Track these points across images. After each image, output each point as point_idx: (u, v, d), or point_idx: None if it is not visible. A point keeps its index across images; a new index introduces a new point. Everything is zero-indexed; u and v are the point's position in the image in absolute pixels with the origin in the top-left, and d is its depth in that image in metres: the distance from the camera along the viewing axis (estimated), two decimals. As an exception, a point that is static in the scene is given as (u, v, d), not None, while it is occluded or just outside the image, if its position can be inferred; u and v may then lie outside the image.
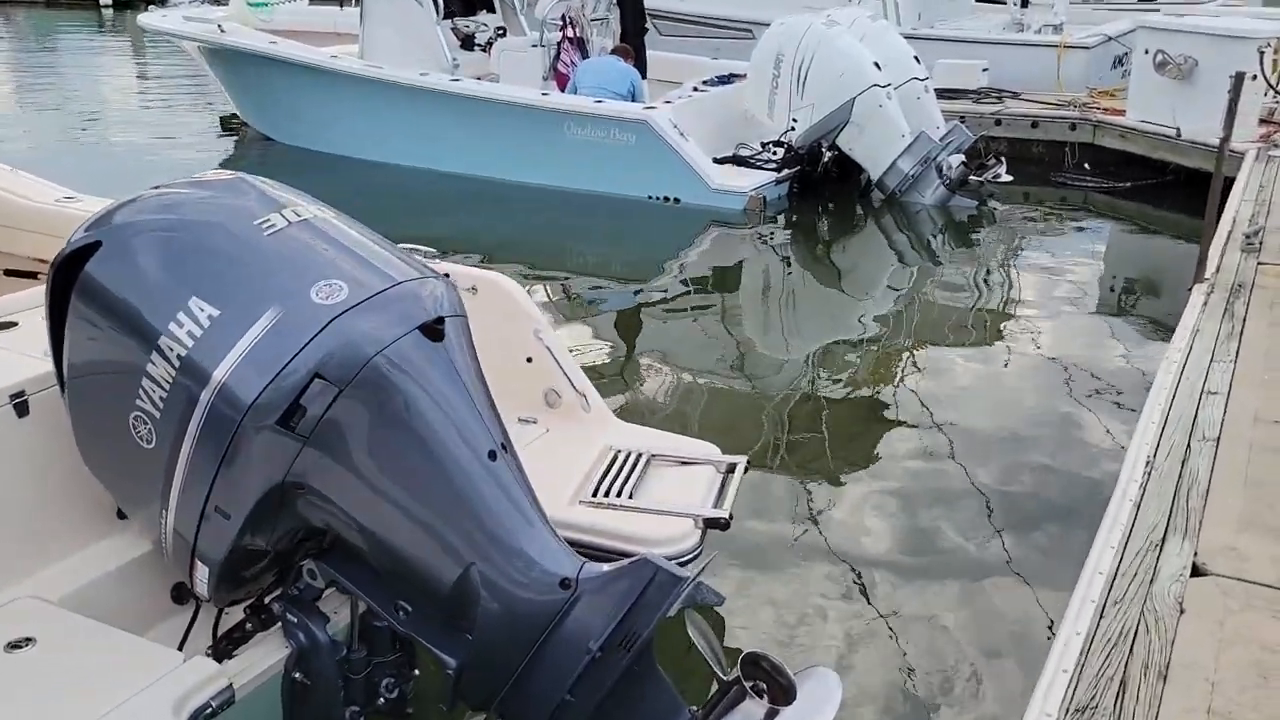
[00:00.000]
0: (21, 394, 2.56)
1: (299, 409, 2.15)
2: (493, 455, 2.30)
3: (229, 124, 12.75)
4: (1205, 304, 4.69)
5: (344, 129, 10.30)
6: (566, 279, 7.85)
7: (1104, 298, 7.52)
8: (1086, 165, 10.50)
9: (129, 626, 2.54)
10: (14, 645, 2.36)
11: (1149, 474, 3.12)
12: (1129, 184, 9.94)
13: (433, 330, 2.29)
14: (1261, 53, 8.66)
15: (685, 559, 2.93)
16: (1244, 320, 4.45)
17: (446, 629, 2.34)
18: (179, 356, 2.18)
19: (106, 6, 32.91)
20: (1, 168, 4.30)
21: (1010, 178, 9.40)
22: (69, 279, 2.29)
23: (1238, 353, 4.11)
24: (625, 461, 3.31)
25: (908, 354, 6.37)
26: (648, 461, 3.33)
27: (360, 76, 9.93)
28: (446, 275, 2.51)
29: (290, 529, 2.32)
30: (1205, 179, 8.39)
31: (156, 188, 2.47)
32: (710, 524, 3.04)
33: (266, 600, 2.53)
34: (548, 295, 7.44)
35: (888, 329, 6.83)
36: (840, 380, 5.98)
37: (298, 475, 2.21)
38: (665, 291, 7.63)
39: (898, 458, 4.92)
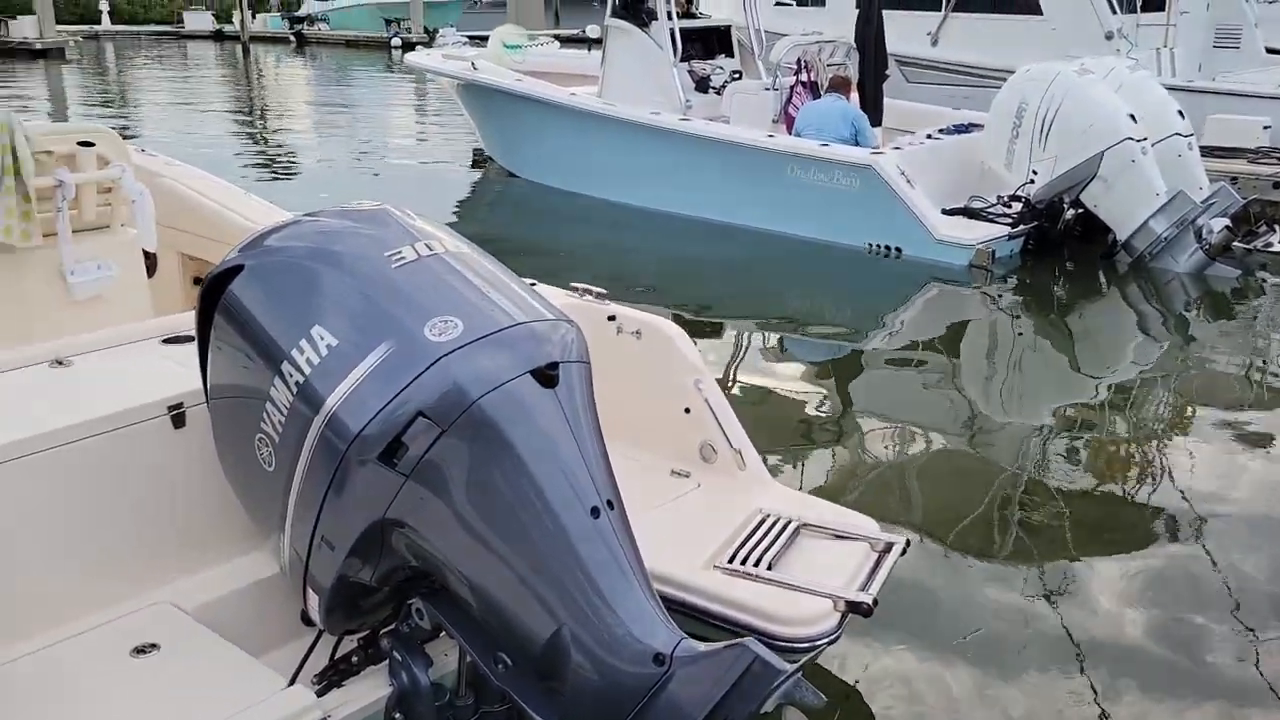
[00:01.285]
0: (180, 406, 2.68)
1: (401, 445, 2.11)
2: (596, 511, 2.19)
3: (478, 158, 13.42)
4: None
5: (576, 165, 10.60)
6: (767, 325, 7.66)
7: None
8: (1384, 237, 9.28)
9: (257, 644, 2.59)
10: (139, 650, 2.45)
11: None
12: None
13: (545, 376, 2.20)
14: None
15: (816, 643, 2.70)
16: None
17: (543, 688, 2.23)
18: (297, 383, 2.19)
19: (396, 47, 35.72)
20: (233, 190, 4.63)
21: (1285, 248, 8.46)
22: (215, 298, 2.37)
23: None
24: (772, 527, 3.11)
25: (1145, 440, 5.74)
26: (797, 530, 3.11)
27: (592, 113, 10.19)
28: (573, 321, 2.41)
29: (394, 565, 2.29)
30: None
31: (308, 214, 2.53)
32: (852, 607, 2.79)
33: (380, 634, 2.52)
34: (741, 341, 7.29)
35: (1123, 410, 6.18)
36: (1057, 463, 5.45)
37: (398, 512, 2.17)
38: (870, 347, 7.30)
39: (1117, 556, 4.41)
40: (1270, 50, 12.80)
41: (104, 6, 44.86)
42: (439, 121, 18.72)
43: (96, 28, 42.56)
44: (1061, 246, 8.86)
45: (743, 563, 2.93)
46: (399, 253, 2.30)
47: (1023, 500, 4.94)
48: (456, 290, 2.27)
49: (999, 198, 8.96)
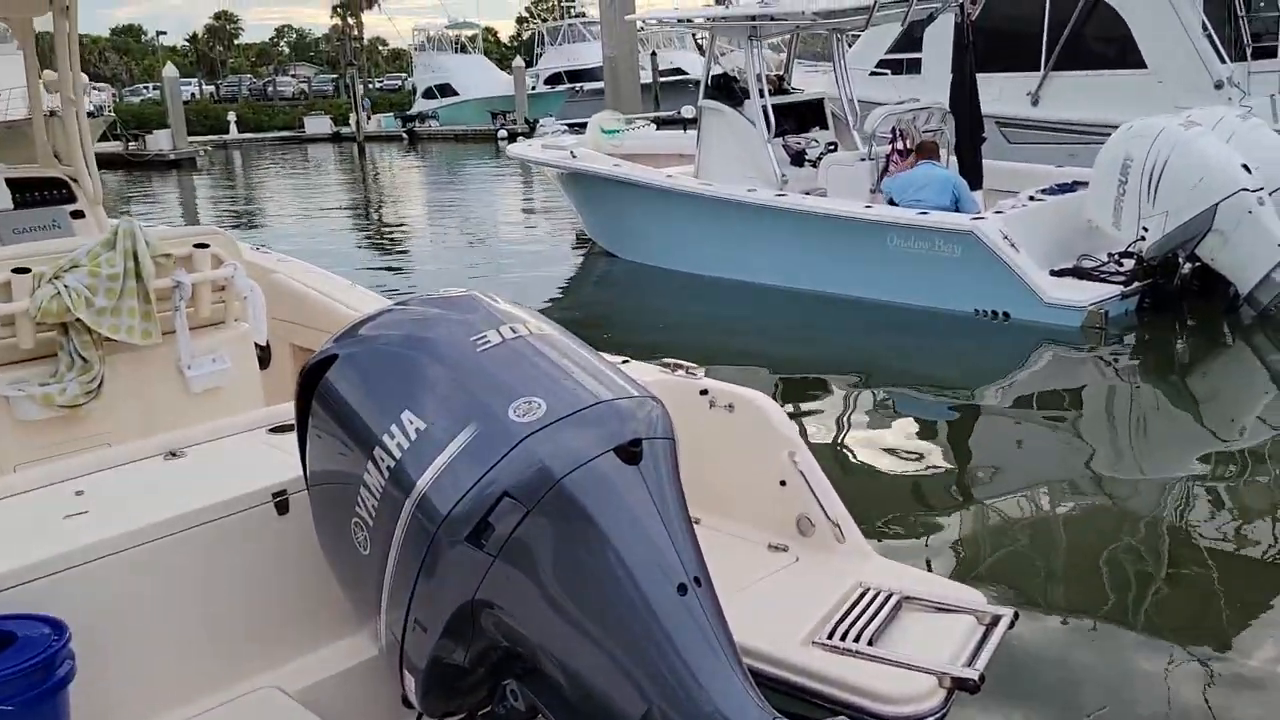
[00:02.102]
0: (283, 493, 2.77)
1: (488, 526, 2.14)
2: (683, 588, 2.17)
3: (581, 240, 13.71)
4: None
5: (676, 245, 10.73)
6: (873, 393, 7.57)
7: None
8: None
9: (356, 726, 2.63)
10: (244, 735, 2.51)
11: None
12: None
13: (628, 452, 2.21)
14: None
15: (922, 722, 2.60)
16: None
17: (637, 770, 2.20)
18: (389, 467, 2.25)
19: (502, 139, 37.00)
20: (340, 282, 4.82)
21: None
22: (312, 387, 2.47)
23: None
24: (873, 601, 3.02)
25: (1272, 508, 5.43)
26: (899, 603, 3.02)
27: (689, 194, 10.33)
28: (655, 398, 2.42)
29: (486, 646, 2.31)
30: None
31: (399, 303, 2.62)
32: (958, 684, 2.68)
33: (477, 715, 2.53)
34: (848, 409, 7.19)
35: (1254, 472, 5.87)
36: (1182, 529, 5.19)
37: (488, 593, 2.19)
38: (979, 412, 7.13)
39: (1251, 626, 4.16)
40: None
41: (231, 117, 47.69)
42: (544, 207, 19.23)
43: (225, 137, 45.23)
44: (1180, 303, 8.53)
45: (842, 638, 2.85)
46: (484, 336, 2.36)
47: (1143, 571, 4.71)
48: (540, 371, 2.32)
49: (1110, 256, 8.72)
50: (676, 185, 10.52)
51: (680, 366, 3.70)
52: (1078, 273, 8.69)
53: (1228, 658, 3.90)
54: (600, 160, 11.42)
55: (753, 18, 10.45)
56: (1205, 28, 11.32)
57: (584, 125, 13.27)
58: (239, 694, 2.65)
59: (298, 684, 2.70)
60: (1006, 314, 8.52)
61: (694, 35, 28.21)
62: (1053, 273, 8.64)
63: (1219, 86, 11.06)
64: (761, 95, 10.43)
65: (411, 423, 2.25)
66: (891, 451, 6.48)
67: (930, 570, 4.22)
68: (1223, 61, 11.25)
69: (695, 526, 3.66)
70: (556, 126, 15.38)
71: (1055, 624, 4.17)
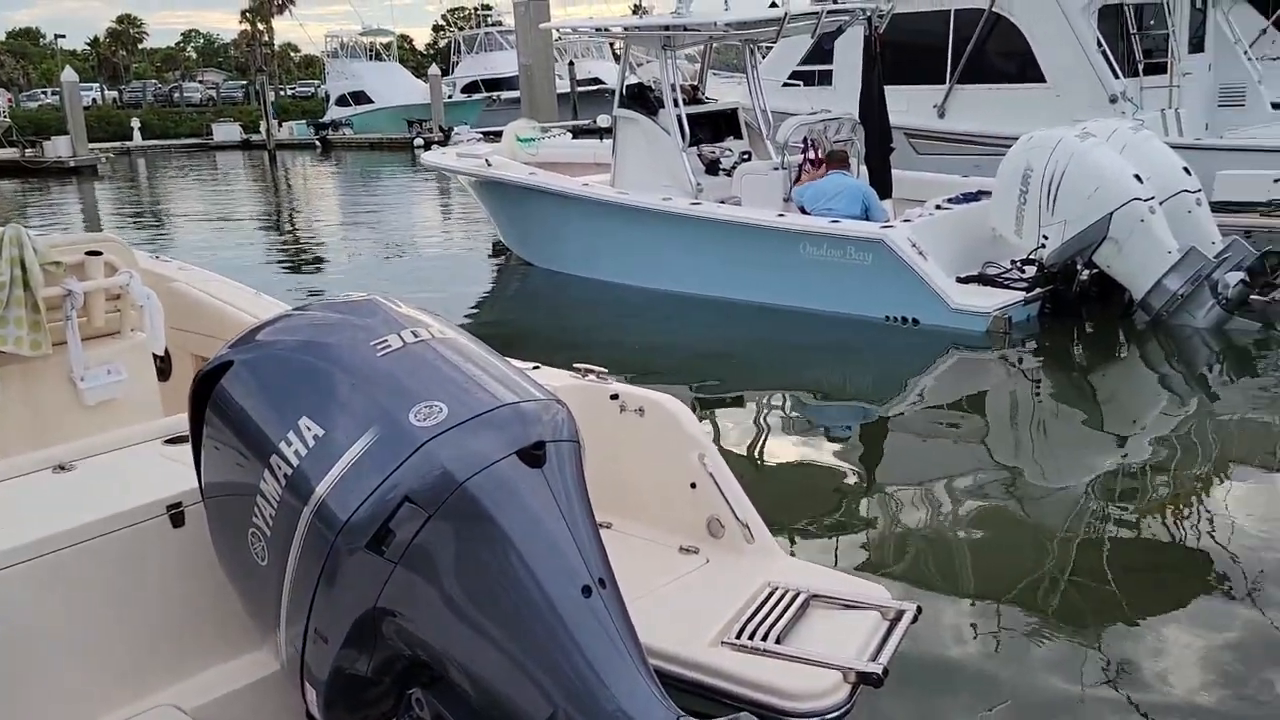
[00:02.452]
0: (179, 505, 2.70)
1: (389, 532, 2.12)
2: (588, 590, 2.17)
3: (499, 250, 13.63)
4: None
5: (592, 253, 10.74)
6: (786, 398, 7.66)
7: None
8: None
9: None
10: (137, 755, 2.43)
11: None
12: None
13: (531, 455, 2.21)
14: None
15: (826, 717, 2.64)
16: None
17: (544, 777, 2.19)
18: (285, 475, 2.21)
19: (418, 147, 36.56)
20: (244, 290, 4.72)
21: (1303, 298, 8.37)
22: (205, 396, 2.41)
23: None
24: (781, 600, 3.06)
25: (1171, 500, 5.63)
26: (806, 601, 3.06)
27: (605, 202, 10.36)
28: (559, 401, 2.42)
29: (390, 656, 2.27)
30: None
31: (298, 308, 2.58)
32: (862, 678, 2.73)
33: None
34: (761, 414, 7.28)
35: (1148, 470, 6.07)
36: (1079, 526, 5.35)
37: (389, 600, 2.16)
38: (889, 415, 7.26)
39: (1143, 620, 4.30)
40: (1276, 105, 12.84)
41: (135, 123, 46.37)
42: (461, 216, 19.08)
43: (129, 144, 43.92)
44: (1079, 308, 8.81)
45: (750, 637, 2.89)
46: (385, 341, 2.33)
47: (1044, 566, 4.84)
48: (442, 375, 2.30)
49: (1013, 263, 8.97)
50: (592, 194, 10.54)
51: (591, 371, 3.71)
52: (983, 279, 8.91)
53: (1126, 648, 4.03)
54: (516, 168, 11.39)
55: (666, 28, 10.54)
56: (1100, 44, 11.74)
57: (500, 134, 13.21)
58: (136, 713, 2.58)
59: (197, 701, 2.64)
60: (915, 320, 8.71)
61: (611, 45, 28.31)
62: (959, 279, 8.85)
63: (1114, 100, 11.49)
64: (676, 105, 10.50)
65: (309, 429, 2.21)
66: (803, 453, 6.57)
67: (838, 568, 4.28)
68: (1117, 77, 11.68)
69: (608, 531, 3.69)
70: (471, 135, 15.28)
71: (960, 618, 4.27)
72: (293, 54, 77.66)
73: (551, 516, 2.20)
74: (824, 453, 6.59)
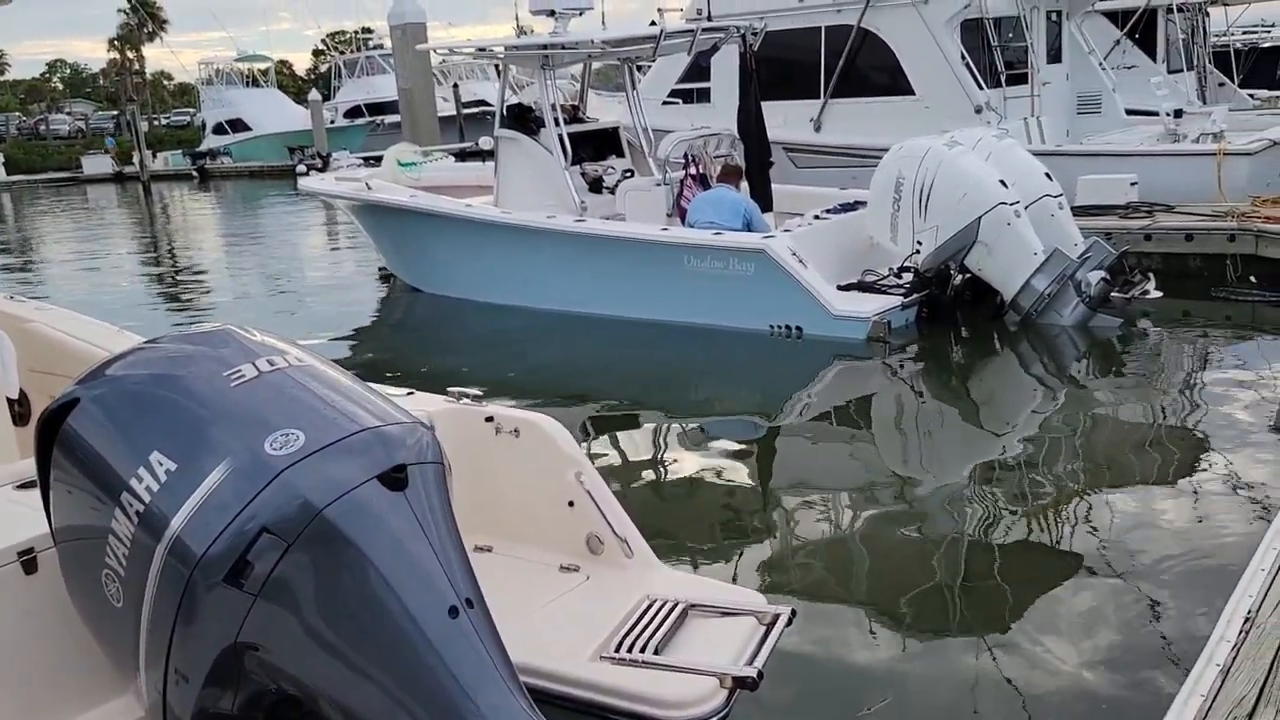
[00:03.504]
0: (30, 551, 2.60)
1: (247, 565, 2.08)
2: (454, 611, 2.17)
3: (385, 276, 13.44)
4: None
5: (478, 275, 10.68)
6: (673, 412, 7.72)
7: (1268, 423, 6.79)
8: (1253, 278, 9.73)
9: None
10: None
11: (1246, 631, 2.66)
12: (1303, 296, 9.14)
13: (392, 479, 2.20)
14: None
15: (706, 723, 2.67)
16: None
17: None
18: (137, 512, 2.16)
19: (301, 174, 35.69)
20: (106, 329, 4.56)
21: (1160, 294, 8.81)
22: (52, 435, 2.33)
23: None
24: (659, 612, 3.09)
25: (1042, 495, 5.83)
26: (684, 612, 3.10)
27: (489, 223, 10.32)
28: (427, 423, 2.41)
29: (255, 692, 2.23)
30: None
31: (150, 341, 2.52)
32: (739, 683, 2.77)
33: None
34: (648, 428, 7.32)
35: (1021, 465, 6.31)
36: (959, 525, 5.51)
37: (251, 635, 2.12)
38: (774, 425, 7.38)
39: (1016, 616, 4.45)
40: (1130, 111, 13.51)
41: (-2, 159, 44.40)
42: (347, 243, 18.74)
43: (-9, 180, 42.01)
44: (955, 311, 9.11)
45: (629, 650, 2.91)
46: (239, 371, 2.29)
47: (924, 564, 4.98)
48: (299, 402, 2.27)
49: (890, 269, 9.24)
50: (476, 215, 10.49)
51: (465, 395, 3.70)
52: (862, 286, 9.15)
53: (1004, 646, 4.15)
54: (397, 191, 11.27)
55: (544, 47, 10.58)
56: (964, 57, 12.20)
57: (381, 159, 13.05)
58: (-12, 770, 2.47)
59: (58, 751, 2.54)
60: (799, 329, 8.88)
61: (496, 66, 28.21)
62: (840, 287, 9.06)
63: (979, 111, 11.94)
64: (557, 124, 10.54)
65: (161, 464, 2.16)
66: (689, 466, 6.64)
67: (719, 577, 4.34)
68: (981, 88, 12.14)
69: (489, 554, 3.67)
70: (351, 160, 15.04)
71: (843, 618, 4.36)
72: (166, 82, 75.32)
73: (415, 539, 2.19)
74: (710, 464, 6.66)
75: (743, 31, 10.61)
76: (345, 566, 2.12)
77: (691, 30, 10.73)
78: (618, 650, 2.91)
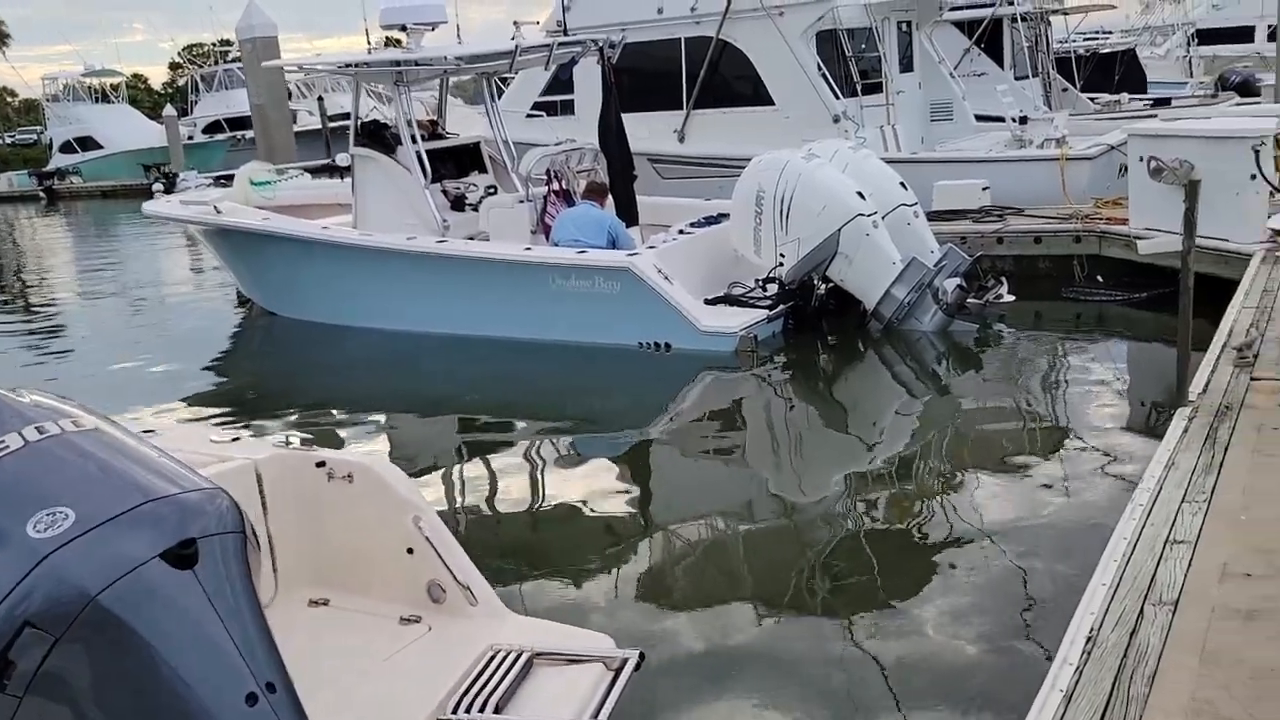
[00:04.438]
0: None
1: (8, 664, 1.86)
2: (253, 699, 1.98)
3: (244, 300, 12.90)
4: (1186, 430, 4.24)
5: (337, 299, 10.33)
6: (540, 439, 7.55)
7: (1123, 416, 7.03)
8: (1099, 278, 10.11)
9: None
10: None
11: (1089, 651, 2.67)
12: (1145, 294, 9.51)
13: (179, 556, 2.00)
14: (1257, 151, 8.33)
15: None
16: (1226, 449, 3.99)
17: None
18: (-119, 611, 1.91)
19: (159, 192, 34.30)
20: None
21: (1013, 297, 9.04)
22: None
23: (1214, 489, 3.64)
24: (502, 664, 2.95)
25: (909, 497, 5.92)
26: (529, 663, 2.96)
27: (346, 245, 9.99)
28: (222, 490, 2.21)
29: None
30: (1221, 285, 8.02)
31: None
32: (583, 739, 2.65)
33: None
34: (511, 459, 7.13)
35: (887, 472, 6.38)
36: (831, 536, 5.53)
37: (18, 739, 1.90)
38: (642, 448, 7.29)
39: (880, 632, 4.45)
40: (981, 117, 13.94)
41: None
42: (206, 265, 17.96)
43: None
44: (820, 321, 9.19)
45: (469, 709, 2.76)
46: (2, 442, 2.06)
47: (795, 575, 4.96)
48: (72, 474, 2.06)
49: (756, 282, 9.26)
50: (332, 237, 10.14)
51: (295, 439, 3.50)
52: (729, 300, 9.15)
53: (881, 650, 4.14)
54: (248, 214, 10.81)
55: (397, 63, 10.30)
56: (820, 68, 12.39)
57: (232, 178, 12.53)
58: None
59: None
60: (668, 345, 8.83)
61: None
62: (707, 301, 9.05)
63: (837, 120, 12.14)
64: (414, 141, 10.27)
65: (-96, 556, 1.92)
66: (552, 490, 6.51)
67: (576, 613, 4.22)
68: (838, 97, 12.35)
69: (326, 608, 3.46)
70: (200, 180, 14.43)
71: (694, 653, 4.22)
72: (10, 98, 71.48)
73: (207, 621, 2.00)
74: (575, 488, 6.53)
75: (600, 44, 10.53)
76: (127, 656, 1.91)
77: (548, 45, 10.61)
78: (456, 710, 2.76)
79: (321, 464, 3.41)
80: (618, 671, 2.92)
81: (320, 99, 32.86)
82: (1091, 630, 2.76)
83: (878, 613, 4.44)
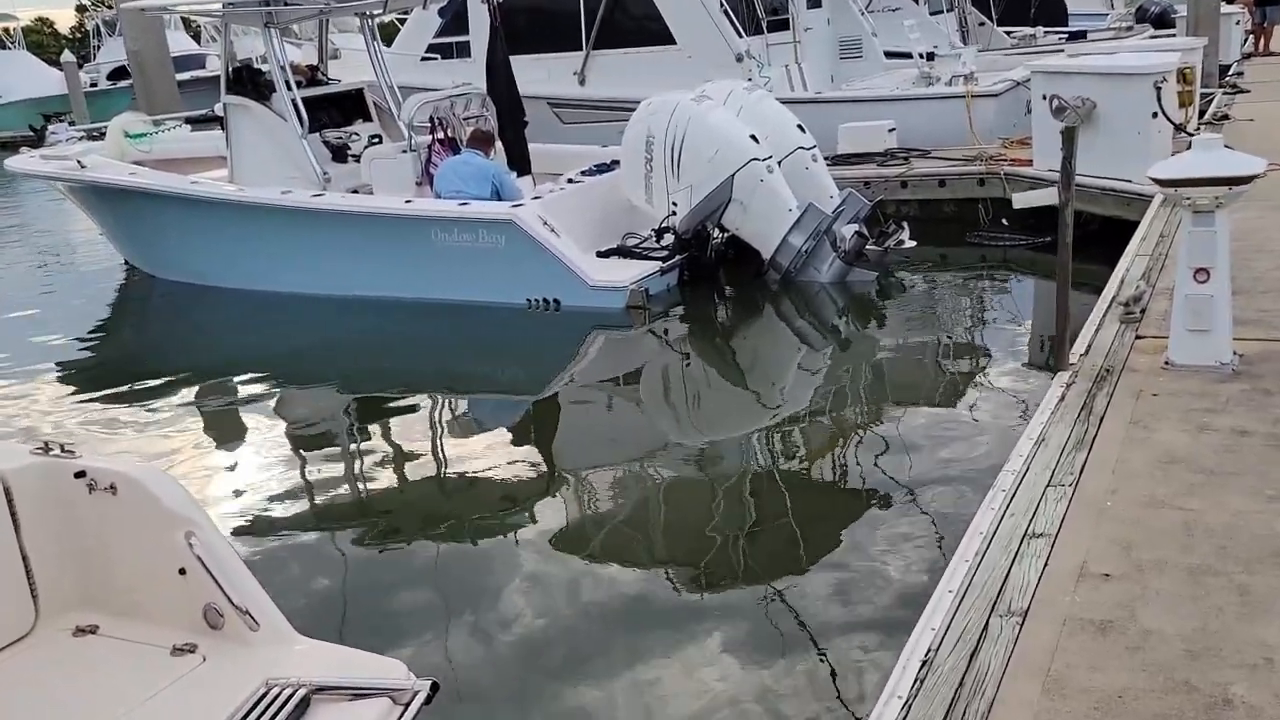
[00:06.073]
0: None
1: None
2: None
3: (128, 262, 12.18)
4: (1062, 399, 3.98)
5: (213, 259, 9.73)
6: (416, 401, 7.16)
7: (1021, 373, 6.81)
8: (1004, 221, 9.86)
9: None
10: None
11: (922, 679, 2.38)
12: (1049, 238, 9.26)
13: None
14: (1159, 88, 8.10)
15: None
16: (1101, 420, 3.73)
17: None
18: None
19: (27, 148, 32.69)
20: None
21: (914, 243, 8.78)
22: None
23: (1083, 468, 3.38)
24: (275, 701, 2.59)
25: (814, 451, 5.75)
26: (306, 700, 2.60)
27: (217, 200, 9.39)
28: None
29: None
30: (1125, 227, 7.82)
31: None
32: (351, 796, 2.31)
33: None
34: (393, 427, 6.73)
35: (790, 423, 6.18)
36: (730, 498, 5.25)
37: None
38: (529, 408, 6.97)
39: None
40: (891, 54, 13.59)
41: None
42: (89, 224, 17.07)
43: None
44: (717, 272, 8.85)
45: (225, 764, 2.40)
46: None
47: (691, 540, 4.68)
48: None
49: (651, 232, 8.87)
50: (201, 192, 9.52)
51: (53, 447, 3.07)
52: (622, 252, 8.75)
53: (751, 639, 3.88)
54: (114, 169, 10.11)
55: (267, 3, 9.60)
56: (723, 5, 11.90)
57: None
58: None
59: None
60: (557, 301, 8.42)
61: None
62: (600, 254, 8.64)
63: (740, 59, 11.68)
64: (289, 87, 9.63)
65: None
66: (425, 463, 6.13)
67: (380, 629, 3.88)
68: (741, 36, 11.88)
69: (93, 636, 3.05)
70: (70, 134, 13.57)
71: (489, 682, 3.89)
72: (-102, 45, 67.68)
73: None
74: (454, 458, 6.16)
75: (485, -18, 9.94)
76: None
77: (426, -18, 10.00)
78: (211, 764, 2.39)
79: (81, 474, 3.00)
80: (406, 705, 2.58)
81: (230, 43, 31.43)
82: (929, 652, 2.47)
83: (760, 585, 4.24)
